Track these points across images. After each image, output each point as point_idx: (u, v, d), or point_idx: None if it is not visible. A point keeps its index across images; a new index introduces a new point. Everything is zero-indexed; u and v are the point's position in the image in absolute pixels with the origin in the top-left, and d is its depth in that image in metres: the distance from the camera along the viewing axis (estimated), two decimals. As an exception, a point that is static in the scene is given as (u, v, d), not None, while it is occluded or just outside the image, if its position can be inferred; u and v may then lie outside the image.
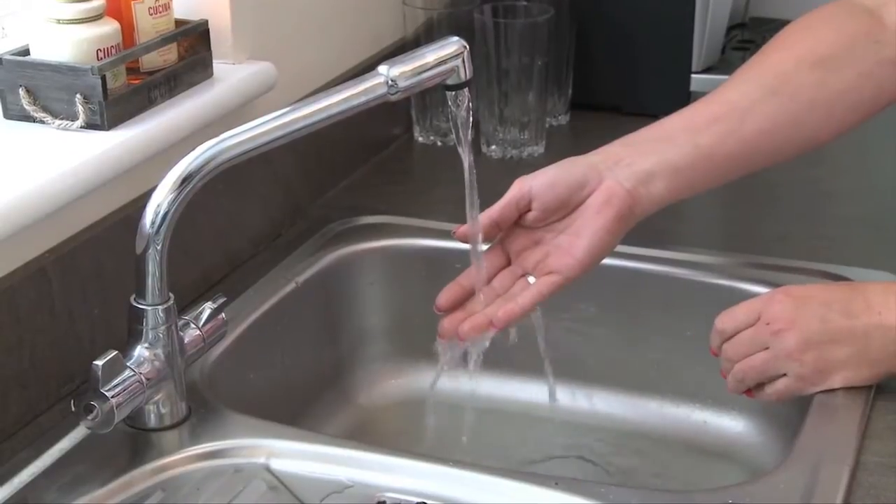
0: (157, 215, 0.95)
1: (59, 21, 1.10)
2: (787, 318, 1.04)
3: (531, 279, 1.09)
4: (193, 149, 0.96)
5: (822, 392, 1.06)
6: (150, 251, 0.96)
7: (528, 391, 1.31)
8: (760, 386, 1.07)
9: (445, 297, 1.10)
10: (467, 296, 1.10)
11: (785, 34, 1.17)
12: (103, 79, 1.08)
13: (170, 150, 1.11)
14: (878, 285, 1.05)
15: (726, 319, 1.08)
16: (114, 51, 1.12)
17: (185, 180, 0.95)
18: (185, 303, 1.08)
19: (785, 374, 1.05)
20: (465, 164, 1.09)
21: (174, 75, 1.17)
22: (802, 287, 1.09)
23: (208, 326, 1.04)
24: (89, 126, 1.09)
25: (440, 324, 1.09)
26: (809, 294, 1.06)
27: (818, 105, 1.12)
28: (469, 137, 1.09)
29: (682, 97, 1.64)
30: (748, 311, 1.07)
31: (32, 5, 1.11)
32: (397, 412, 1.32)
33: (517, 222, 1.10)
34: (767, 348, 1.05)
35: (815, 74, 1.11)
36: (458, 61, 1.06)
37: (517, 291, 1.09)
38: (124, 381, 0.96)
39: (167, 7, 1.17)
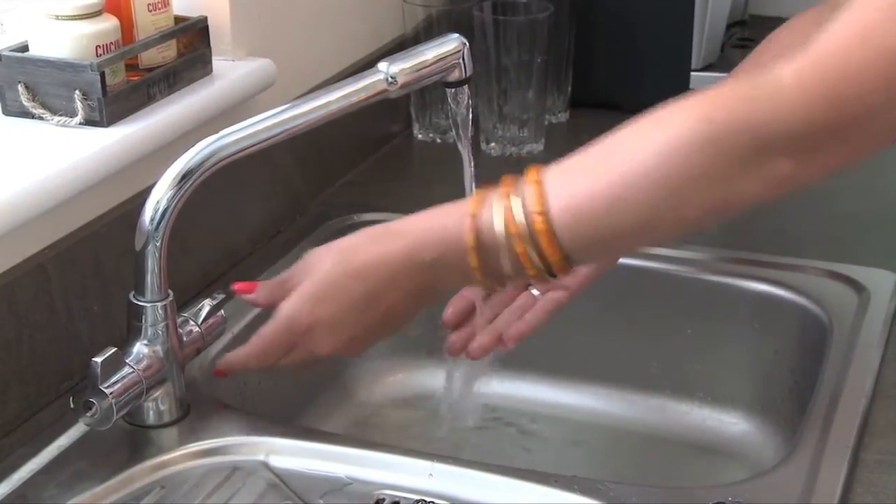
0: (156, 212, 0.95)
1: (58, 17, 1.10)
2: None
3: (534, 291, 1.09)
4: (193, 145, 0.96)
5: (822, 390, 1.06)
6: (149, 248, 0.96)
7: (530, 389, 1.31)
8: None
9: (451, 311, 1.08)
10: (472, 307, 1.08)
11: (769, 43, 1.16)
12: (102, 75, 1.08)
13: (169, 147, 1.11)
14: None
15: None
16: (113, 47, 1.11)
17: (185, 177, 0.95)
18: (185, 300, 1.08)
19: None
20: (465, 162, 1.10)
21: (173, 72, 1.17)
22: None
23: (207, 323, 1.04)
24: (88, 122, 1.09)
25: (448, 340, 1.08)
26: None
27: None
28: (469, 135, 1.09)
29: (681, 94, 1.64)
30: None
31: (32, 1, 1.11)
32: (396, 409, 1.32)
33: None
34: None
35: None
36: (458, 58, 1.06)
37: (521, 304, 1.09)
38: (123, 377, 0.95)
39: (166, 3, 1.17)
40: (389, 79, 1.03)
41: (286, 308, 0.99)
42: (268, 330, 1.00)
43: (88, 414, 0.94)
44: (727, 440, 1.25)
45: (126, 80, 1.13)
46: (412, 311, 0.99)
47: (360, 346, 1.01)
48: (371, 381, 1.33)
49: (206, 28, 1.21)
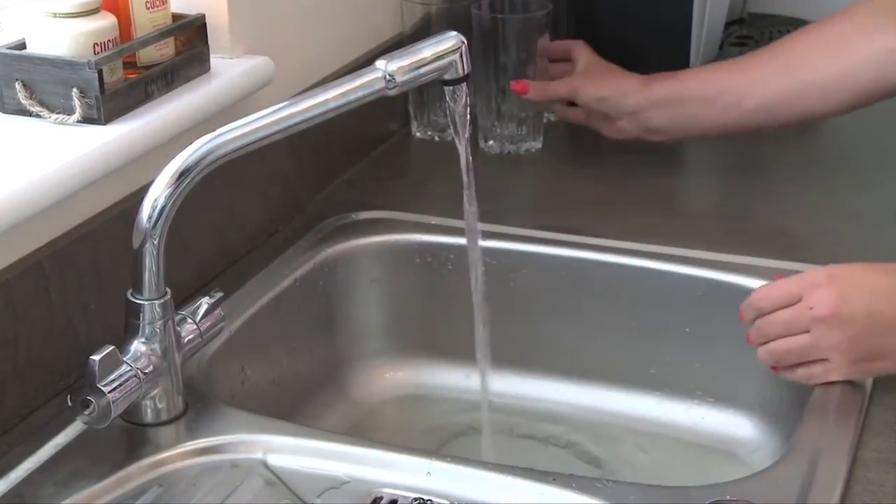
0: (154, 210, 0.95)
1: (55, 15, 1.09)
2: (830, 306, 1.01)
3: None
4: (190, 143, 0.96)
5: (820, 388, 1.06)
6: (147, 246, 0.96)
7: (528, 387, 1.31)
8: (793, 365, 1.06)
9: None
10: None
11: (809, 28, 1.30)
12: (100, 73, 1.08)
13: (167, 145, 1.10)
14: None
15: (764, 296, 1.06)
16: (111, 45, 1.11)
17: (183, 175, 0.95)
18: (182, 298, 1.07)
19: (824, 360, 1.04)
20: (463, 160, 1.09)
21: (171, 70, 1.17)
22: (848, 269, 1.05)
23: (205, 321, 1.04)
24: (86, 120, 1.09)
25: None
26: (854, 279, 1.03)
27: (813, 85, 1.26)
28: (467, 133, 1.09)
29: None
30: (789, 291, 1.04)
31: (29, -1, 1.11)
32: (394, 408, 1.32)
33: None
34: (808, 331, 1.03)
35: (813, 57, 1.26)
36: (456, 56, 1.06)
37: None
38: (121, 376, 0.95)
39: (164, 1, 1.17)
40: (387, 77, 1.03)
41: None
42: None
43: (86, 412, 0.94)
44: (726, 438, 1.25)
45: (124, 78, 1.13)
46: None
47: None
48: (369, 380, 1.33)
49: (204, 26, 1.21)
